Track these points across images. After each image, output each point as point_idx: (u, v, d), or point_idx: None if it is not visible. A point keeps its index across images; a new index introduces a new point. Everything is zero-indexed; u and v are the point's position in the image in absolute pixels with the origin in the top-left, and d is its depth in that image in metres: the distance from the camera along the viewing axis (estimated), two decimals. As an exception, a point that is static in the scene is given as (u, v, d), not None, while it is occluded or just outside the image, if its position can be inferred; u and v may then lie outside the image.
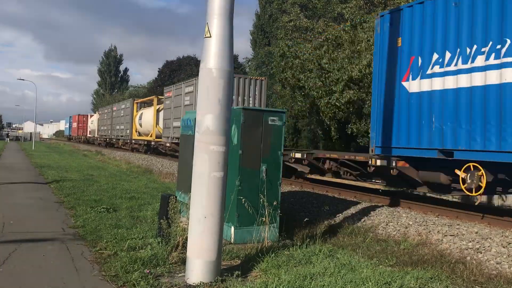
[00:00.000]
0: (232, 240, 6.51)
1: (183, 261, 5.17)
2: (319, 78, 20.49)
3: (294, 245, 6.30)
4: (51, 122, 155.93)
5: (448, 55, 8.31)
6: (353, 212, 9.55)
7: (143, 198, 10.38)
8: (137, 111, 32.89)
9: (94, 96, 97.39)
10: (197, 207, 4.81)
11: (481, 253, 6.67)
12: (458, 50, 8.12)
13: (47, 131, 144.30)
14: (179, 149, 8.76)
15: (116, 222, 7.52)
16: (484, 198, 12.34)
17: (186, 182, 6.91)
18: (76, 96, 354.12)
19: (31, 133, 73.61)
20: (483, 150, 7.68)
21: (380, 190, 12.52)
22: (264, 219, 6.49)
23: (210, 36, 4.80)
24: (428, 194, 12.14)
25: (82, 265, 5.31)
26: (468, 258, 6.53)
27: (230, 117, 4.99)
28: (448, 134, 8.30)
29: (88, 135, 54.87)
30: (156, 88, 55.85)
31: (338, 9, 22.82)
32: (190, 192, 4.95)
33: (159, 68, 64.61)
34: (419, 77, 8.91)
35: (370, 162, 10.14)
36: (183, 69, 58.74)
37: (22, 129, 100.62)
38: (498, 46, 7.45)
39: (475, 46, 7.83)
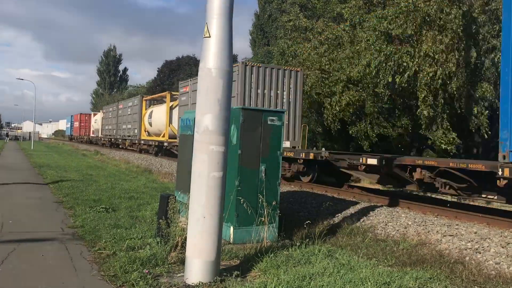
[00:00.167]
0: (231, 240, 6.50)
1: (182, 261, 5.17)
2: (318, 79, 20.48)
3: (293, 245, 6.30)
4: (50, 121, 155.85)
5: None
6: (352, 212, 9.55)
7: (142, 198, 10.37)
8: (146, 109, 30.36)
9: (93, 95, 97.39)
10: (196, 207, 4.81)
11: (480, 253, 6.67)
12: None
13: (46, 130, 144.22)
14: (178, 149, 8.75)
15: (115, 222, 7.52)
16: None
17: (185, 182, 6.90)
18: (75, 96, 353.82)
19: (30, 132, 73.53)
20: None
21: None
22: (263, 219, 6.49)
23: (210, 36, 4.80)
24: None
25: (81, 265, 5.31)
26: (467, 258, 6.53)
27: (230, 117, 4.99)
28: None
29: (91, 135, 52.45)
30: (155, 88, 55.83)
31: (338, 9, 22.78)
32: (189, 192, 4.94)
33: (158, 68, 64.70)
34: None
35: (500, 172, 7.62)
36: (182, 69, 58.72)
37: (21, 129, 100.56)
38: None
39: None
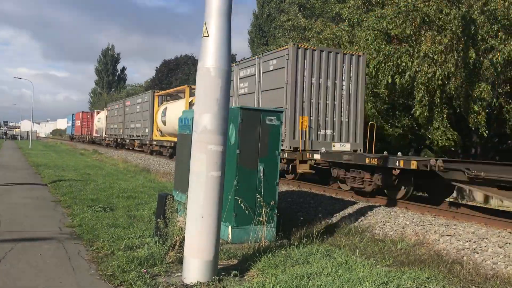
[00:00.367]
0: (229, 239, 6.50)
1: (180, 261, 5.16)
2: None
3: (291, 244, 6.31)
4: (48, 120, 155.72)
5: None
6: (350, 212, 9.56)
7: (140, 197, 10.36)
8: (158, 106, 26.73)
9: (92, 95, 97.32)
10: (194, 207, 4.80)
11: (478, 253, 6.69)
12: None
13: (44, 130, 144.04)
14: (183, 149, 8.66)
15: (113, 221, 7.51)
16: None
17: (183, 182, 6.90)
18: (73, 95, 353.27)
19: (28, 131, 73.37)
20: None
21: None
22: (261, 218, 6.48)
23: (208, 36, 4.79)
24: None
25: (79, 264, 5.30)
26: (465, 258, 6.54)
27: (228, 116, 4.99)
28: None
29: (94, 134, 48.70)
30: (153, 87, 55.80)
31: (336, 9, 22.83)
32: (187, 191, 4.94)
33: (156, 67, 64.69)
34: None
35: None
36: (180, 68, 58.77)
37: (19, 128, 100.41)
38: None
39: None
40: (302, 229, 7.50)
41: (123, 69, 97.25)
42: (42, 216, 8.10)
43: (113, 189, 11.46)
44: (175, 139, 21.71)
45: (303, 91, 13.21)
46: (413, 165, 9.65)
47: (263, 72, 14.39)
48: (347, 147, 13.79)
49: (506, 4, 14.60)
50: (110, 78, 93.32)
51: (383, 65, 16.76)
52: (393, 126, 20.14)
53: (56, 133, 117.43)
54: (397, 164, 10.04)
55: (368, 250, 6.77)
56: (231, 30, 4.91)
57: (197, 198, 4.79)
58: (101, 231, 6.73)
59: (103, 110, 45.97)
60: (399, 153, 12.02)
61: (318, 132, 13.54)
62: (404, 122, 19.61)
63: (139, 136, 30.10)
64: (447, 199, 11.46)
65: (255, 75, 14.93)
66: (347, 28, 20.03)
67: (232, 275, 4.88)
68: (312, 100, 13.40)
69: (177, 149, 8.68)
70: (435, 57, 15.15)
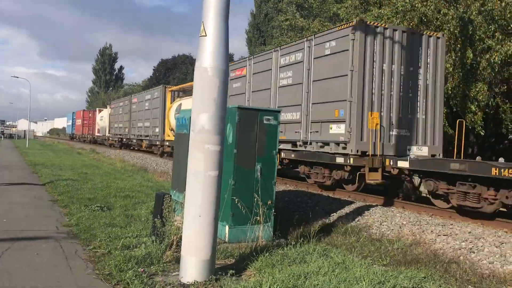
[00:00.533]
0: (227, 239, 6.51)
1: (177, 260, 5.17)
2: None
3: (288, 244, 6.32)
4: (45, 120, 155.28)
5: None
6: (347, 211, 9.57)
7: (138, 196, 10.35)
8: (171, 103, 24.22)
9: (89, 94, 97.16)
10: (191, 206, 4.81)
11: (474, 252, 6.71)
12: None
13: (41, 129, 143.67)
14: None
15: (110, 220, 7.50)
16: None
17: (181, 181, 6.90)
18: (71, 94, 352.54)
19: (25, 131, 73.17)
20: None
21: None
22: (258, 218, 6.49)
23: (206, 35, 4.80)
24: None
25: (76, 264, 5.30)
26: (461, 257, 6.57)
27: (225, 116, 4.99)
28: None
29: (97, 133, 46.21)
30: (151, 87, 55.72)
31: (334, 9, 22.82)
32: (184, 191, 4.94)
33: (154, 67, 64.63)
34: None
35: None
36: (178, 68, 58.73)
37: (16, 127, 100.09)
38: None
39: None
40: (299, 229, 7.51)
41: (121, 68, 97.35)
42: (39, 215, 8.09)
43: (110, 189, 11.45)
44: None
45: (373, 80, 10.70)
46: None
47: (314, 58, 11.94)
48: (424, 151, 11.25)
49: (503, 4, 14.64)
50: (107, 77, 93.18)
51: None
52: None
53: (54, 132, 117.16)
54: None
55: (365, 249, 6.78)
56: (229, 29, 4.92)
57: (195, 198, 4.79)
58: (98, 231, 6.73)
59: (106, 108, 43.65)
60: (501, 159, 8.60)
61: (390, 132, 10.98)
62: None
63: (147, 136, 27.82)
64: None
65: (302, 61, 12.43)
66: None
67: (229, 274, 4.89)
68: (382, 92, 10.83)
69: (175, 149, 8.69)
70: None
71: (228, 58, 4.94)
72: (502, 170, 7.80)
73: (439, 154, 11.42)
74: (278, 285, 4.54)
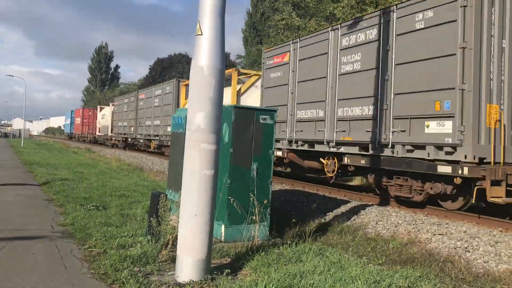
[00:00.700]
0: (222, 238, 6.51)
1: (173, 259, 5.16)
2: None
3: (284, 243, 6.32)
4: (41, 119, 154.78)
5: None
6: (343, 210, 9.59)
7: (133, 196, 10.33)
8: (186, 98, 21.08)
9: (85, 93, 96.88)
10: (187, 205, 4.80)
11: (469, 252, 6.74)
12: None
13: (36, 128, 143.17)
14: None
15: (105, 220, 7.48)
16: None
17: (176, 180, 6.89)
18: (67, 93, 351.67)
19: (20, 130, 72.87)
20: None
21: None
22: (254, 217, 6.49)
23: (202, 34, 4.79)
24: None
25: (71, 263, 5.28)
26: (457, 257, 6.59)
27: (221, 115, 4.99)
28: None
29: (98, 133, 43.39)
30: (147, 86, 55.62)
31: (330, 9, 22.88)
32: (180, 190, 4.94)
33: (150, 65, 64.48)
34: None
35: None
36: (174, 67, 58.61)
37: (11, 126, 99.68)
38: None
39: None
40: (295, 228, 7.52)
41: (117, 67, 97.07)
42: (34, 214, 8.06)
43: (106, 188, 11.42)
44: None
45: (491, 62, 8.20)
46: None
47: (398, 35, 9.45)
48: None
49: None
50: (103, 76, 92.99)
51: None
52: None
53: (49, 131, 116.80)
54: None
55: (360, 249, 6.80)
56: (225, 28, 4.92)
57: (190, 197, 4.79)
58: (94, 230, 6.71)
59: (109, 105, 40.75)
60: None
61: None
62: None
63: (157, 135, 25.25)
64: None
65: (378, 40, 9.91)
66: None
67: (225, 273, 4.89)
68: (502, 78, 8.32)
69: (171, 148, 8.67)
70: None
71: (224, 57, 4.94)
72: None
73: None
74: (274, 284, 4.54)
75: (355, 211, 9.45)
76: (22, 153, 27.30)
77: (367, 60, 10.21)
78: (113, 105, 37.85)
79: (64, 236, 6.52)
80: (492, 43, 8.22)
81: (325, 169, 11.80)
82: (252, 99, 15.56)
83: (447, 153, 8.40)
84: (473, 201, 8.49)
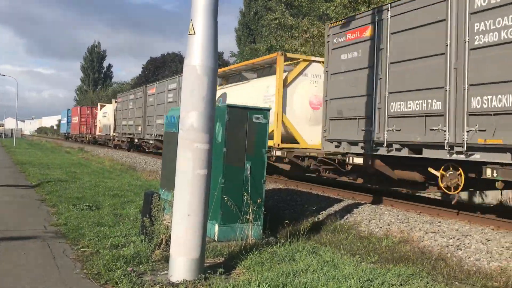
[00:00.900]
0: (216, 237, 6.51)
1: (166, 259, 5.15)
2: None
3: (277, 242, 6.33)
4: (33, 118, 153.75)
5: None
6: (336, 209, 9.62)
7: (126, 195, 10.30)
8: None
9: (77, 92, 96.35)
10: (180, 205, 4.80)
11: (461, 250, 6.78)
12: None
13: (29, 127, 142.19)
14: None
15: (98, 220, 7.46)
16: None
17: (169, 180, 6.88)
18: (59, 93, 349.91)
19: (12, 129, 72.34)
20: None
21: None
22: (248, 216, 6.50)
23: (194, 33, 4.79)
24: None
25: (64, 263, 5.26)
26: (449, 255, 6.63)
27: (215, 114, 4.99)
28: None
29: (98, 133, 40.07)
30: (140, 85, 55.39)
31: (323, 8, 22.92)
32: (173, 189, 4.93)
33: (143, 65, 64.23)
34: None
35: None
36: (167, 66, 58.45)
37: (3, 126, 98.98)
38: None
39: None
40: (288, 227, 7.53)
41: (109, 66, 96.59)
42: (26, 214, 8.01)
43: (99, 188, 11.38)
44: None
45: None
46: None
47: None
48: None
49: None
50: (96, 76, 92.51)
51: None
52: None
53: (42, 131, 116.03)
54: None
55: (353, 247, 6.82)
56: (218, 28, 4.92)
57: (183, 196, 4.78)
58: (87, 230, 6.69)
59: (112, 102, 36.69)
60: None
61: None
62: None
63: None
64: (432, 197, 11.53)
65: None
66: None
67: (218, 273, 4.89)
68: None
69: (164, 148, 8.66)
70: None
71: (217, 56, 4.94)
72: None
73: None
74: (267, 283, 4.55)
75: (348, 209, 9.48)
76: (14, 153, 27.12)
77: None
78: (116, 102, 34.11)
79: (57, 236, 6.49)
80: None
81: (441, 184, 8.51)
82: (301, 90, 13.06)
83: None
84: None
